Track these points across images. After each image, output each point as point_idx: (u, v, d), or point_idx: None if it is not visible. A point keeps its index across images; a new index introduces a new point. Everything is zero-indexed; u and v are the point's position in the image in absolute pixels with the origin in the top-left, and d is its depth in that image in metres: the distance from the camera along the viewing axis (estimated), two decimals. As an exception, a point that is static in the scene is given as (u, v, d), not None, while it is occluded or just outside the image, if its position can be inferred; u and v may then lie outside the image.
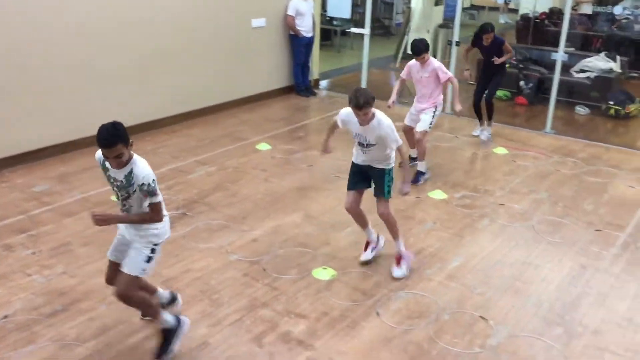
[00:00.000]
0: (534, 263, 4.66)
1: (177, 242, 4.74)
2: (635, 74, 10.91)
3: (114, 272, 3.35)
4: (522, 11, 15.26)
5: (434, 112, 5.99)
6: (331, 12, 10.16)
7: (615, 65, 9.26)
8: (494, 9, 18.65)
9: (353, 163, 4.41)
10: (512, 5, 18.02)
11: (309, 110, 8.69)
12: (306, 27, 8.84)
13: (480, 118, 7.53)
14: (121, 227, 3.34)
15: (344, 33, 12.79)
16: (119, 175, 3.10)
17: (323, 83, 10.21)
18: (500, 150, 7.11)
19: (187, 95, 7.73)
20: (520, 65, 9.67)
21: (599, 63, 9.31)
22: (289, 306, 4.00)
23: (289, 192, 5.80)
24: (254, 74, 8.63)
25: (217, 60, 8.00)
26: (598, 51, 10.41)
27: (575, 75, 9.35)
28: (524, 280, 4.41)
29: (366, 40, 9.20)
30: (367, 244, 4.59)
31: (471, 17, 17.84)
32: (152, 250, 3.27)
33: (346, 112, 4.20)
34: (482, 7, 19.22)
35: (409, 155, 6.15)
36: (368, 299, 4.11)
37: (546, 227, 5.24)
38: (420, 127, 5.98)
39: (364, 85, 9.31)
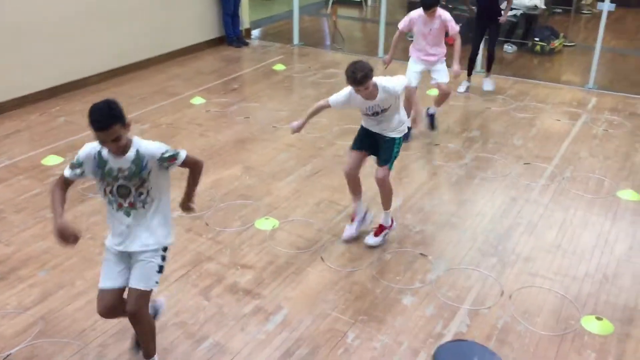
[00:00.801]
0: (468, 199, 4.84)
1: (115, 203, 4.64)
2: (559, 10, 11.21)
3: (117, 299, 2.85)
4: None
5: (445, 63, 5.68)
6: (258, -42, 9.86)
7: (539, 2, 9.47)
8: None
9: (362, 127, 4.10)
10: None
11: (242, 61, 8.54)
12: (233, -26, 8.59)
13: (470, 72, 7.27)
14: (115, 243, 2.84)
15: (273, -21, 12.49)
16: (124, 163, 2.67)
17: (255, 32, 10.02)
18: (432, 92, 7.22)
19: (113, 52, 7.44)
20: (450, 6, 9.74)
21: (524, 0, 9.48)
22: (234, 258, 4.04)
23: (226, 145, 5.75)
24: (181, 26, 8.37)
25: (142, 13, 7.70)
26: (523, -12, 10.60)
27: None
28: (459, 215, 4.59)
29: (295, -14, 9.04)
30: (353, 218, 4.28)
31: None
32: (163, 258, 2.89)
33: (345, 93, 3.85)
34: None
35: (428, 112, 6.04)
36: (312, 245, 4.19)
37: (479, 163, 5.42)
38: (444, 78, 5.64)
39: (295, 33, 9.21)
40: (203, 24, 8.76)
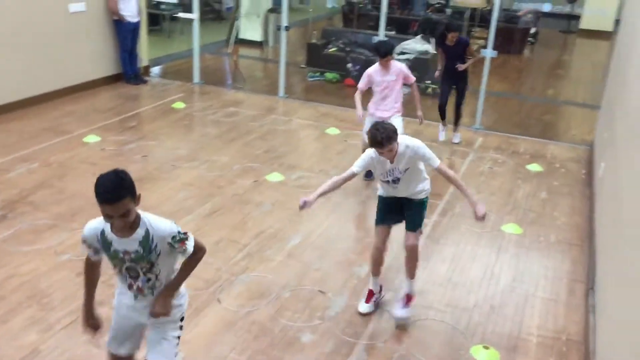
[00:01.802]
0: (366, 236, 4.97)
1: (-3, 248, 4.37)
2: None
3: None
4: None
5: (402, 117, 5.65)
6: (157, -4, 9.82)
7: (430, 47, 10.05)
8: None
9: (382, 197, 3.89)
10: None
11: (140, 98, 8.38)
12: (131, 11, 8.47)
13: (444, 117, 7.28)
14: (129, 310, 2.64)
15: (174, 18, 12.45)
16: (131, 245, 2.42)
17: (155, 70, 9.89)
18: (333, 131, 7.43)
19: (1, 86, 7.07)
20: (347, 49, 10.13)
21: (416, 45, 10.03)
22: (128, 302, 3.89)
23: (122, 184, 5.57)
24: (76, 61, 8.11)
25: (34, 48, 7.40)
26: (415, 34, 11.23)
27: (396, 57, 9.97)
28: (357, 252, 4.70)
29: (195, 25, 9.06)
30: (371, 294, 3.99)
31: (301, 2, 18.24)
32: (181, 327, 2.70)
33: (366, 156, 3.64)
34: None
35: None
36: (209, 286, 4.12)
37: (376, 200, 5.58)
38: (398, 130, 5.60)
39: (196, 71, 9.18)
40: (100, 59, 8.54)
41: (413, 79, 5.68)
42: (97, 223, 2.46)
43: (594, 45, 14.90)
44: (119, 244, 2.43)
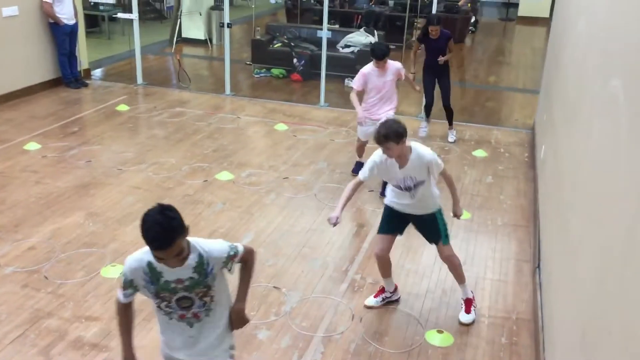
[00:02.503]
0: (318, 229, 4.99)
1: (-64, 264, 4.19)
2: (392, 46, 12.05)
3: None
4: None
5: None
6: (93, -4, 9.57)
7: (373, 39, 10.14)
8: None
9: (388, 207, 3.80)
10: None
11: (81, 102, 8.16)
12: (67, 14, 8.22)
13: (428, 115, 7.23)
14: (184, 344, 2.46)
15: (113, 18, 12.16)
16: (184, 273, 2.27)
17: (96, 72, 9.65)
18: (281, 127, 7.41)
19: None
20: (292, 44, 10.12)
21: (360, 38, 10.12)
22: (78, 311, 3.80)
23: (66, 191, 5.43)
24: (12, 67, 7.83)
25: (-36, 54, 7.12)
26: (359, 27, 11.31)
27: (341, 50, 10.06)
28: (310, 245, 4.71)
29: (135, 25, 8.88)
30: (382, 290, 4.02)
31: (243, -1, 18.09)
32: (232, 356, 2.60)
33: (372, 159, 3.58)
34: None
35: (359, 162, 5.82)
36: (162, 289, 4.06)
37: (327, 194, 5.63)
38: None
39: (139, 72, 9.00)
40: (37, 64, 8.27)
41: (404, 72, 5.64)
42: (140, 255, 2.28)
43: (532, 31, 15.33)
44: (171, 274, 2.27)
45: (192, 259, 2.26)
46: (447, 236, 3.77)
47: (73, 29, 8.42)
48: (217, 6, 12.18)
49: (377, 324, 3.83)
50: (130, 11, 8.94)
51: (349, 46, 10.13)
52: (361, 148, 5.94)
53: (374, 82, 5.50)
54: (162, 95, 8.55)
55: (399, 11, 12.89)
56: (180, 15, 11.92)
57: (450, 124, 7.16)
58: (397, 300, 4.04)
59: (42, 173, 5.77)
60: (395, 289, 4.03)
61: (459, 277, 3.87)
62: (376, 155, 3.54)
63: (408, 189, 3.57)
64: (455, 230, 5.01)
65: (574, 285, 2.82)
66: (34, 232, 4.71)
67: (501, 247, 4.80)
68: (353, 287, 4.18)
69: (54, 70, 8.52)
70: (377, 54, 5.37)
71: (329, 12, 8.43)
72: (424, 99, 7.31)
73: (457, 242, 4.81)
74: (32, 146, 6.39)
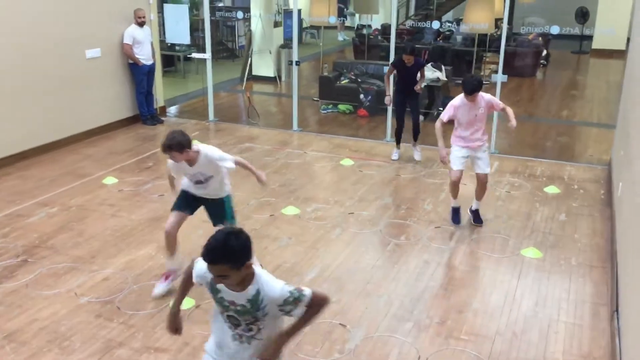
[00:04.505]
0: (383, 265, 4.95)
1: (19, 292, 4.43)
2: (460, 81, 11.95)
3: None
4: (357, 28, 16.14)
5: (487, 151, 5.51)
6: (170, 38, 10.05)
7: (441, 74, 10.10)
8: (331, 27, 19.49)
9: (184, 191, 4.40)
10: (348, 24, 18.97)
11: (156, 139, 8.50)
12: (145, 54, 8.67)
13: (399, 143, 7.52)
14: (222, 348, 2.54)
15: (188, 58, 12.71)
16: (239, 299, 2.35)
17: (171, 109, 10.06)
18: (347, 162, 7.45)
19: (20, 133, 7.24)
20: (359, 80, 10.22)
21: (427, 73, 10.08)
22: (148, 342, 3.90)
23: (140, 224, 5.63)
24: (93, 105, 8.29)
25: (52, 94, 7.59)
26: (426, 62, 11.30)
27: (408, 85, 10.04)
28: (374, 282, 4.66)
29: (208, 64, 9.24)
30: (167, 275, 4.46)
31: (312, 36, 18.53)
32: None
33: (171, 164, 4.22)
34: (319, 27, 20.05)
35: (471, 208, 5.67)
36: (228, 322, 4.11)
37: (392, 229, 5.58)
38: (488, 167, 5.49)
39: (211, 109, 9.32)
40: (116, 103, 8.72)
41: (501, 105, 5.43)
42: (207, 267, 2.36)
43: (607, 64, 14.85)
44: (228, 295, 2.36)
45: (250, 291, 2.32)
46: (233, 217, 4.40)
47: (151, 68, 8.86)
48: (287, 44, 12.52)
49: (443, 365, 3.72)
50: (204, 51, 9.31)
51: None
52: (455, 186, 5.51)
53: (463, 115, 5.29)
54: (232, 131, 8.79)
55: (466, 46, 12.80)
56: (251, 53, 12.32)
57: (415, 140, 7.48)
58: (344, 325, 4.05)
59: (118, 206, 6.02)
60: (177, 270, 4.45)
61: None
62: (169, 162, 4.19)
63: (199, 182, 4.23)
64: (526, 269, 4.85)
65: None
66: (108, 264, 4.90)
67: (576, 289, 4.59)
68: (419, 327, 4.09)
69: (132, 108, 8.96)
70: (469, 88, 5.12)
71: (396, 48, 8.49)
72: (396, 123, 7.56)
73: (528, 282, 4.65)
74: (110, 180, 6.70)
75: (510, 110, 5.47)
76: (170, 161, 4.14)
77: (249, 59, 12.31)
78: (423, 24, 13.55)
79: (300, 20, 14.40)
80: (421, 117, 9.38)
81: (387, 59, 8.96)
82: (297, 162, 7.47)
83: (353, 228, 5.62)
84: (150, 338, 3.93)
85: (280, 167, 7.26)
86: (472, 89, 5.12)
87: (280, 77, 12.51)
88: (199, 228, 5.55)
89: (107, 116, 8.58)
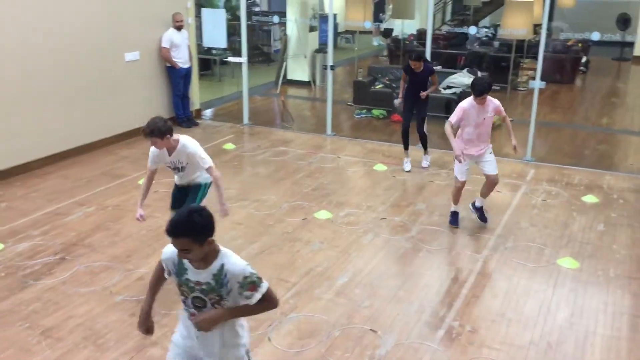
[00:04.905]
0: (415, 271, 4.91)
1: (56, 289, 4.53)
2: (496, 87, 11.81)
3: None
4: (392, 33, 16.09)
5: (492, 153, 5.56)
6: (207, 42, 10.18)
7: (477, 80, 9.98)
8: (367, 32, 19.43)
9: (175, 184, 4.79)
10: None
11: (192, 141, 8.60)
12: (182, 58, 8.80)
13: (407, 147, 7.40)
14: (185, 342, 2.69)
15: (224, 62, 12.85)
16: (204, 277, 2.45)
17: (207, 112, 10.18)
18: (380, 167, 7.42)
19: (60, 135, 7.42)
20: (394, 85, 10.18)
21: (463, 79, 10.00)
22: (180, 341, 3.93)
23: (174, 225, 5.70)
24: (131, 108, 8.44)
25: (91, 96, 7.76)
26: (462, 68, 11.20)
27: (443, 91, 9.98)
28: (406, 288, 4.63)
29: (244, 68, 9.32)
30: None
31: (347, 41, 18.53)
32: (247, 352, 2.72)
33: (152, 152, 4.47)
34: (354, 32, 20.02)
35: (475, 205, 5.75)
36: (260, 325, 4.13)
37: (424, 236, 5.53)
38: (493, 170, 5.49)
39: (245, 112, 9.41)
40: (153, 105, 8.86)
41: (504, 113, 5.49)
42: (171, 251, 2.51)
43: (649, 71, 14.48)
44: (193, 274, 2.47)
45: (215, 265, 2.45)
46: (200, 200, 4.63)
47: (187, 72, 8.99)
48: (322, 49, 12.54)
49: (475, 374, 3.66)
50: (240, 55, 9.41)
51: (451, 87, 10.04)
52: (458, 192, 5.66)
53: (471, 118, 5.31)
54: (267, 135, 8.85)
55: (503, 52, 12.64)
56: (287, 58, 12.39)
57: (425, 149, 7.45)
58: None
59: (153, 207, 6.11)
60: None
61: None
62: (150, 154, 4.48)
63: (177, 169, 4.55)
64: (562, 279, 4.75)
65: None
66: (143, 263, 4.97)
67: (613, 301, 4.47)
68: (450, 335, 4.04)
69: (169, 111, 9.09)
70: (476, 89, 5.18)
71: (432, 53, 8.43)
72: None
73: (564, 292, 4.56)
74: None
75: (509, 124, 5.60)
76: (152, 152, 4.43)
77: (284, 63, 12.38)
78: (459, 29, 13.41)
79: (335, 25, 14.40)
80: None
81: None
82: (330, 167, 7.47)
83: (385, 233, 5.59)
84: (182, 338, 3.97)
85: (314, 171, 7.28)
86: (481, 90, 5.15)
87: (314, 82, 12.54)
88: (232, 230, 5.61)
89: (144, 118, 8.61)
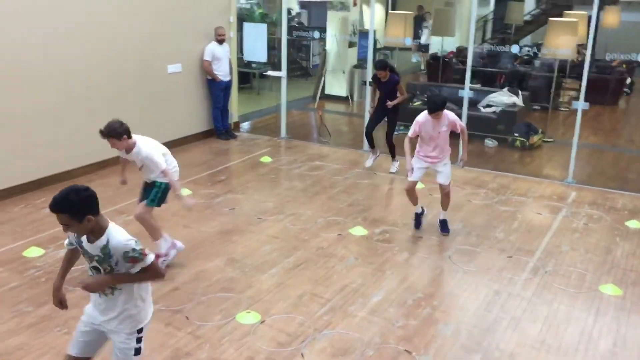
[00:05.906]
0: (451, 292, 4.83)
1: (94, 296, 4.59)
2: (537, 107, 11.65)
3: None
4: (431, 50, 16.03)
5: (449, 164, 5.84)
6: (248, 56, 10.31)
7: (517, 100, 9.86)
8: (406, 49, 19.38)
9: (144, 182, 5.07)
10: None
11: (229, 153, 8.71)
12: (223, 71, 8.92)
13: (372, 147, 7.95)
14: (91, 310, 2.95)
15: (263, 75, 12.98)
16: (94, 249, 2.74)
17: (245, 125, 10.28)
18: (418, 185, 7.33)
19: (103, 144, 7.55)
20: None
21: (503, 98, 9.88)
22: (214, 354, 3.95)
23: (210, 237, 5.75)
24: (171, 119, 8.58)
25: (133, 107, 7.91)
26: (502, 87, 11.07)
27: (483, 110, 9.87)
28: (442, 309, 4.55)
29: (283, 82, 9.39)
30: (158, 256, 4.67)
31: (386, 57, 18.52)
32: (139, 340, 2.94)
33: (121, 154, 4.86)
34: (394, 48, 19.98)
35: (417, 213, 6.04)
36: (293, 340, 4.11)
37: (461, 256, 5.45)
38: (447, 179, 5.80)
39: (283, 126, 9.46)
40: (193, 117, 8.99)
41: (462, 126, 5.71)
42: None
43: (697, 94, 14.07)
44: (87, 247, 2.77)
45: (101, 241, 2.72)
46: (152, 200, 4.92)
47: (228, 85, 9.10)
48: (360, 65, 12.57)
49: (512, 402, 3.57)
50: (279, 69, 9.49)
51: (490, 106, 9.93)
52: (411, 194, 5.93)
53: (427, 131, 5.61)
54: (303, 149, 8.88)
55: (545, 71, 12.45)
56: (325, 73, 12.44)
57: (393, 157, 7.88)
58: None
59: (190, 218, 6.18)
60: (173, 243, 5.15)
61: (153, 236, 5.05)
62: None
63: (140, 167, 4.86)
64: (605, 306, 4.61)
65: None
66: (179, 273, 5.01)
67: (659, 331, 4.32)
68: (487, 359, 3.95)
69: (208, 122, 9.21)
70: (433, 107, 5.46)
71: (472, 72, 8.36)
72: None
73: (607, 321, 4.41)
74: (184, 192, 6.87)
75: (466, 139, 5.80)
76: (120, 154, 4.84)
77: (323, 78, 12.43)
78: (500, 48, 13.27)
79: (375, 41, 14.44)
80: (491, 142, 9.20)
81: (461, 82, 8.83)
82: (366, 182, 7.44)
83: (421, 253, 5.53)
84: (216, 350, 3.98)
85: (349, 186, 7.26)
86: (435, 108, 5.44)
87: (352, 97, 12.56)
88: (267, 244, 5.62)
89: (184, 129, 8.85)
